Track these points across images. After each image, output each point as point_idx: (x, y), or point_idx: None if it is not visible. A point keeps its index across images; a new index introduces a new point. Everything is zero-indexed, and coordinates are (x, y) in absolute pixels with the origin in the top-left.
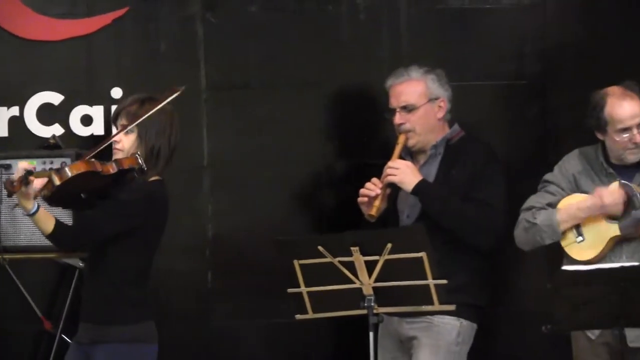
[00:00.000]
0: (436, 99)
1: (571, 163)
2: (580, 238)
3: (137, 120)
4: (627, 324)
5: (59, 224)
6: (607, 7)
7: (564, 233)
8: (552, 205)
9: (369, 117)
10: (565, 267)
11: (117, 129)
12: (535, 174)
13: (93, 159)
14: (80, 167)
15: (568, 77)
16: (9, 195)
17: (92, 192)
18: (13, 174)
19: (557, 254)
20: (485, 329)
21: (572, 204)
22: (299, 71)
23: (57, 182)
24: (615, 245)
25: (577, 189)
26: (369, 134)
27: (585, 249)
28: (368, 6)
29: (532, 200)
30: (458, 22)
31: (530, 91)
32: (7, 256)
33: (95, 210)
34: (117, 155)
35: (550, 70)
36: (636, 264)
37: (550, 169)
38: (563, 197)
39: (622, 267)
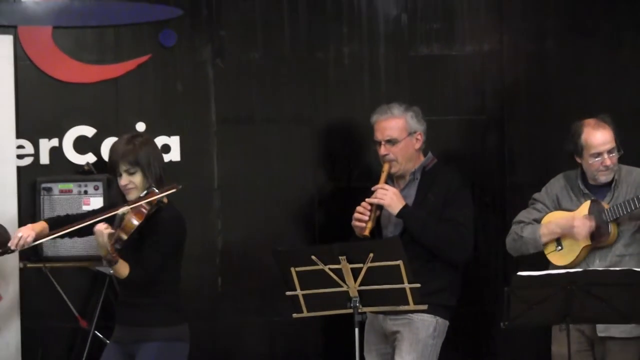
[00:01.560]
0: (414, 132)
1: (555, 185)
2: (559, 247)
3: (138, 160)
4: (572, 320)
5: (131, 268)
6: (554, 53)
7: (546, 243)
8: (538, 221)
9: (353, 147)
10: (520, 273)
11: (120, 175)
12: (494, 193)
13: (143, 208)
14: (139, 218)
15: (523, 112)
16: (112, 264)
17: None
18: (55, 195)
19: (516, 264)
20: (455, 325)
21: (552, 221)
22: (294, 108)
23: (125, 237)
24: (589, 253)
25: (559, 206)
26: (353, 161)
27: (563, 256)
28: (352, 53)
29: (522, 215)
30: (428, 66)
31: (490, 124)
32: (48, 264)
33: (152, 250)
34: (132, 194)
35: (507, 106)
36: (580, 270)
37: (508, 191)
38: (547, 213)
39: (568, 273)
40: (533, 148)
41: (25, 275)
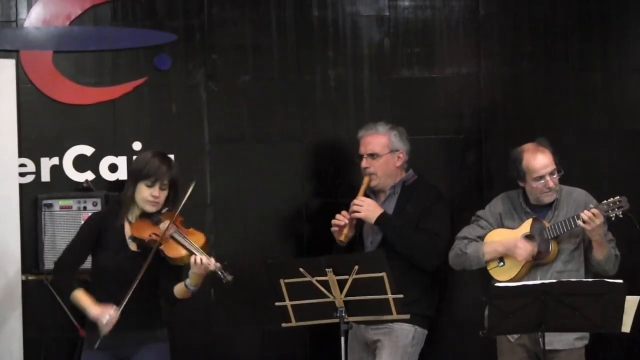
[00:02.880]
0: (396, 150)
1: (498, 204)
2: (501, 263)
3: (175, 181)
4: (546, 329)
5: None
6: (528, 76)
7: (488, 260)
8: (481, 238)
9: (338, 164)
10: (497, 284)
11: (150, 186)
12: (473, 207)
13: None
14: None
15: (499, 131)
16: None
17: None
18: (55, 210)
19: (487, 274)
20: (433, 334)
21: (495, 241)
22: (282, 127)
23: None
24: (530, 269)
25: (502, 224)
26: (338, 178)
27: (504, 272)
28: (337, 76)
29: (466, 231)
30: (409, 88)
31: (468, 143)
32: (49, 277)
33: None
34: (153, 208)
35: (484, 126)
36: (554, 281)
37: (484, 204)
38: (490, 230)
39: (543, 284)
40: (508, 165)
41: (27, 287)
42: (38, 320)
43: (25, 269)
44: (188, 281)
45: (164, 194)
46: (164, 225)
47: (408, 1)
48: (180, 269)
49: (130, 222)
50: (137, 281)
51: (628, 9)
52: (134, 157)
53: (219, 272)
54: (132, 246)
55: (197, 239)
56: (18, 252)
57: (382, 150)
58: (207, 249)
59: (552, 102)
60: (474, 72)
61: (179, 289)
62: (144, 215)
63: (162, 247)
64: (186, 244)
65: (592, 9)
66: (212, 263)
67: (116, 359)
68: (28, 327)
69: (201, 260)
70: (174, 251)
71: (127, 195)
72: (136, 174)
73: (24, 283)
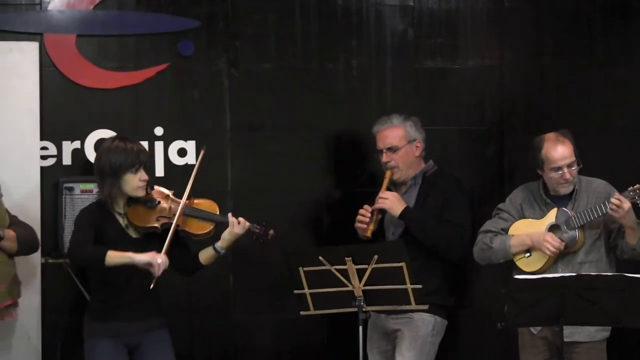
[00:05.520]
0: (414, 140)
1: (518, 195)
2: (528, 254)
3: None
4: (565, 322)
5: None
6: (551, 69)
7: (515, 253)
8: (505, 230)
9: (359, 154)
10: (516, 276)
11: (136, 172)
12: (494, 201)
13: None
14: None
15: (521, 124)
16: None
17: None
18: (76, 194)
19: (509, 267)
20: (453, 325)
21: (523, 233)
22: (304, 116)
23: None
24: (555, 261)
25: (523, 215)
26: (359, 167)
27: (531, 263)
28: (360, 66)
29: (489, 225)
30: (432, 79)
31: (490, 135)
32: (68, 260)
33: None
34: (143, 191)
35: (506, 118)
36: (573, 274)
37: (505, 198)
38: (513, 222)
39: (562, 277)
40: (528, 153)
41: (46, 270)
42: (56, 302)
43: (44, 252)
44: (219, 244)
45: (146, 175)
46: (169, 204)
47: None
48: (183, 239)
49: (120, 213)
50: (171, 235)
51: None
52: (97, 153)
53: (256, 229)
54: (133, 233)
55: (210, 207)
56: (38, 234)
57: (400, 142)
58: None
59: (575, 96)
60: (497, 64)
61: (207, 255)
62: (135, 201)
63: (180, 228)
64: (206, 216)
65: (616, 3)
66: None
67: (126, 347)
68: (46, 309)
69: (239, 220)
70: (198, 228)
71: (112, 192)
72: (117, 169)
73: (43, 265)
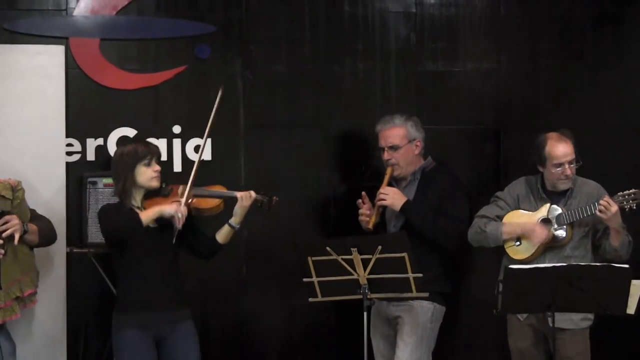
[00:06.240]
0: (414, 139)
1: (517, 186)
2: (518, 243)
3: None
4: (556, 309)
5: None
6: (545, 72)
7: (506, 240)
8: (500, 217)
9: (364, 152)
10: (511, 266)
11: (149, 165)
12: (491, 195)
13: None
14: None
15: (516, 123)
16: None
17: None
18: (99, 188)
19: (501, 255)
20: (451, 311)
21: (514, 223)
22: (313, 115)
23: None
24: (542, 253)
25: (519, 207)
26: (363, 164)
27: (520, 251)
28: (366, 68)
29: (485, 210)
30: (433, 80)
31: (487, 134)
32: (92, 250)
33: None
34: (158, 182)
35: (502, 118)
36: (565, 264)
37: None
38: (508, 211)
39: (554, 267)
40: (525, 155)
41: (71, 259)
42: (80, 290)
43: (69, 242)
44: (233, 220)
45: (159, 166)
46: (183, 188)
47: None
48: (198, 225)
49: (138, 207)
50: (193, 178)
51: None
52: (115, 155)
53: (262, 198)
54: (151, 223)
55: (218, 187)
56: (64, 226)
57: (402, 141)
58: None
59: (567, 98)
60: (494, 67)
61: (223, 233)
62: (151, 193)
63: (192, 206)
64: (213, 194)
65: (607, 9)
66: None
67: (154, 340)
68: (71, 296)
69: (245, 193)
70: (206, 202)
71: (126, 186)
72: (130, 161)
73: (68, 255)
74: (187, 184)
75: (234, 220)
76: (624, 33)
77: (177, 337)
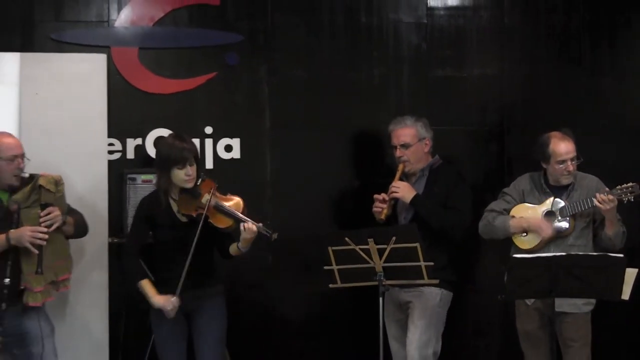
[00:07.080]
0: (423, 138)
1: (522, 182)
2: (524, 234)
3: (196, 154)
4: (556, 295)
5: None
6: (546, 77)
7: (513, 232)
8: (507, 210)
9: (377, 151)
10: (515, 255)
11: (182, 168)
12: (494, 191)
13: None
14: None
15: (519, 125)
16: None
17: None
18: (138, 184)
19: (507, 246)
20: (458, 298)
21: (522, 217)
22: (332, 117)
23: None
24: (547, 243)
25: (524, 200)
26: (377, 162)
27: (526, 242)
28: (380, 74)
29: (494, 205)
30: (442, 85)
31: (492, 135)
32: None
33: None
34: (190, 183)
35: (506, 120)
36: (564, 254)
37: (504, 188)
38: (514, 205)
39: (554, 256)
40: (527, 154)
41: (112, 248)
42: (121, 276)
43: (111, 233)
44: (240, 244)
45: (194, 168)
46: (205, 198)
47: (443, 10)
48: (217, 232)
49: (174, 199)
50: (192, 252)
51: (634, 19)
52: (160, 145)
53: (265, 232)
54: (182, 219)
55: (236, 205)
56: (106, 218)
57: (412, 140)
58: (246, 210)
59: (566, 102)
60: (498, 73)
61: (233, 249)
62: (184, 191)
63: (209, 220)
64: (230, 213)
65: (602, 19)
66: (256, 226)
67: (183, 315)
68: (112, 282)
69: (249, 227)
70: (222, 222)
71: (163, 182)
72: (165, 163)
73: (110, 245)
74: (215, 195)
75: (241, 245)
76: (618, 41)
77: (204, 309)
